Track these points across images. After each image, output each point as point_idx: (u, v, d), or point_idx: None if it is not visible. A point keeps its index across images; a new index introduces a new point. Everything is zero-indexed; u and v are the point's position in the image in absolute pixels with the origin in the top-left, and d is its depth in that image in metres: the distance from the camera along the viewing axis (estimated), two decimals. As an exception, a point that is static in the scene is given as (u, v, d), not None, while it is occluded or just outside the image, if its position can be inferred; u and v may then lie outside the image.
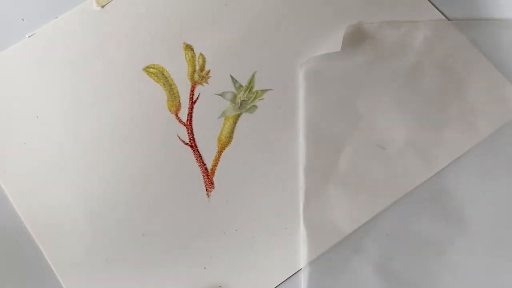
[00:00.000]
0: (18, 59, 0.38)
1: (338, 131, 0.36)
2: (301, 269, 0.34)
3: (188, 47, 0.39)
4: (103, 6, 0.40)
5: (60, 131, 0.37)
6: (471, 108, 0.37)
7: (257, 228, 0.35)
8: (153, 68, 0.38)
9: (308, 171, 0.35)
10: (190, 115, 0.37)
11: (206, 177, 0.36)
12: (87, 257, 0.34)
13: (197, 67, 0.38)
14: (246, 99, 0.38)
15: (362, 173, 0.35)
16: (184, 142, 0.37)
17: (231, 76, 0.38)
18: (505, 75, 0.38)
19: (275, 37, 0.39)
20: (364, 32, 0.39)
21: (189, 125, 0.37)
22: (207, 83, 0.38)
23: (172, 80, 0.38)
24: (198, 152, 0.37)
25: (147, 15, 0.40)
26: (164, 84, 0.38)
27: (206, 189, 0.36)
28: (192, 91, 0.38)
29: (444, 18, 0.39)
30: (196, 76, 0.38)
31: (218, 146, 0.37)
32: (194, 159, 0.36)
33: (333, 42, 0.38)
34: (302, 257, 0.34)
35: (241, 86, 0.38)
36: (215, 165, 0.36)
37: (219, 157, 0.37)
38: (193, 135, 0.37)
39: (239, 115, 0.37)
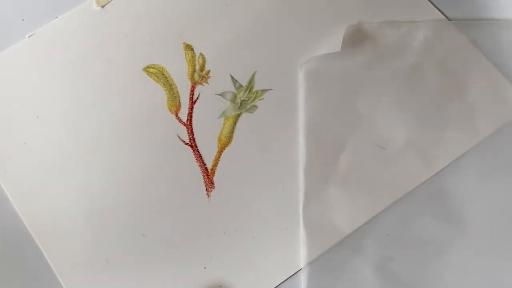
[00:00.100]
0: (18, 59, 0.38)
1: (338, 131, 0.36)
2: (301, 269, 0.34)
3: (188, 47, 0.39)
4: (103, 6, 0.40)
5: (60, 131, 0.37)
6: (471, 108, 0.37)
7: (257, 228, 0.35)
8: (153, 68, 0.38)
9: (307, 171, 0.35)
10: (190, 115, 0.37)
11: (206, 177, 0.36)
12: (87, 257, 0.34)
13: (197, 67, 0.38)
14: (246, 99, 0.38)
15: (362, 173, 0.35)
16: (184, 142, 0.37)
17: (231, 76, 0.38)
18: (505, 75, 0.38)
19: (275, 37, 0.39)
20: (364, 32, 0.39)
21: (189, 125, 0.37)
22: (207, 83, 0.38)
23: (172, 80, 0.38)
24: (198, 152, 0.37)
25: (147, 15, 0.40)
26: (164, 84, 0.38)
27: (206, 189, 0.36)
28: (192, 91, 0.38)
29: (444, 18, 0.39)
30: (196, 76, 0.38)
31: (218, 146, 0.37)
32: (194, 159, 0.36)
33: (333, 42, 0.38)
34: (302, 257, 0.34)
35: (241, 86, 0.38)
36: (215, 165, 0.36)
37: (219, 157, 0.37)
38: (193, 135, 0.37)
39: (239, 115, 0.37)
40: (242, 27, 0.39)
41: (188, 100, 0.38)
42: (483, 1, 0.40)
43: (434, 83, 0.38)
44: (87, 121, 0.37)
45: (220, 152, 0.37)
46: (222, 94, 0.38)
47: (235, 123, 0.37)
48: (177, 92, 0.38)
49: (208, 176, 0.36)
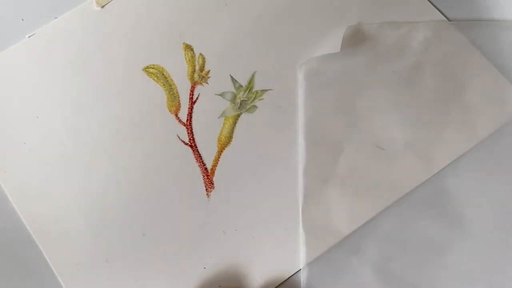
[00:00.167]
0: (18, 59, 0.39)
1: (338, 131, 0.36)
2: (300, 269, 0.34)
3: (188, 47, 0.39)
4: (103, 6, 0.40)
5: (60, 131, 0.37)
6: (471, 108, 0.37)
7: (257, 228, 0.35)
8: (152, 68, 0.38)
9: (307, 172, 0.35)
10: (190, 115, 0.37)
11: (206, 177, 0.36)
12: (87, 257, 0.34)
13: (197, 67, 0.38)
14: (246, 99, 0.38)
15: (361, 174, 0.35)
16: (184, 142, 0.37)
17: (231, 76, 0.38)
18: (505, 75, 0.38)
19: (275, 37, 0.39)
20: (364, 33, 0.39)
21: (189, 125, 0.37)
22: (207, 83, 0.38)
23: (172, 80, 0.38)
24: (198, 152, 0.37)
25: (147, 15, 0.40)
26: (164, 84, 0.38)
27: (206, 189, 0.36)
28: (192, 91, 0.38)
29: (444, 18, 0.39)
30: (196, 76, 0.38)
31: (218, 146, 0.37)
32: (194, 159, 0.36)
33: (333, 42, 0.38)
34: (301, 257, 0.34)
35: (241, 86, 0.38)
36: (215, 165, 0.36)
37: (219, 157, 0.37)
38: (193, 135, 0.37)
39: (239, 115, 0.37)
40: (242, 27, 0.39)
41: (188, 100, 0.38)
42: (483, 1, 0.40)
43: (434, 84, 0.38)
44: (87, 121, 0.37)
45: (219, 152, 0.37)
46: (222, 94, 0.38)
47: (234, 123, 0.37)
48: (177, 92, 0.38)
49: (208, 176, 0.36)
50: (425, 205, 0.35)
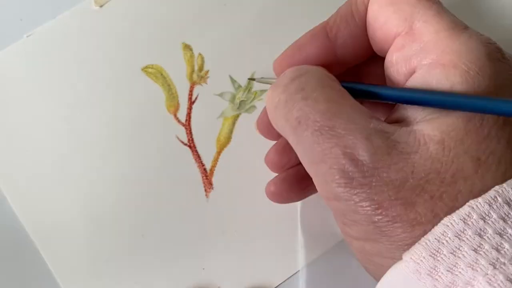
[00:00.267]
0: (16, 59, 0.38)
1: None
2: (299, 270, 0.34)
3: (187, 47, 0.39)
4: (101, 6, 0.40)
5: (58, 131, 0.37)
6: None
7: (256, 229, 0.35)
8: (151, 68, 0.38)
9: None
10: (189, 115, 0.37)
11: (205, 177, 0.36)
12: (85, 258, 0.34)
13: (196, 67, 0.38)
14: (245, 99, 0.38)
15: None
16: (182, 142, 0.37)
17: (230, 77, 0.38)
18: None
19: (274, 37, 0.39)
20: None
21: (187, 125, 0.37)
22: (206, 83, 0.38)
23: (170, 80, 0.38)
24: (197, 152, 0.36)
25: (146, 14, 0.40)
26: (162, 84, 0.38)
27: (205, 189, 0.36)
28: (191, 91, 0.38)
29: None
30: (194, 76, 0.38)
31: (217, 147, 0.37)
32: (193, 160, 0.36)
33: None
34: (300, 258, 0.34)
35: (240, 86, 0.38)
36: (214, 165, 0.36)
37: (218, 158, 0.36)
38: (191, 135, 0.37)
39: (238, 116, 0.37)
40: (241, 27, 0.39)
41: (187, 100, 0.38)
42: (487, 6, 0.40)
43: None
44: (85, 121, 0.37)
45: (219, 153, 0.37)
46: (221, 95, 0.38)
47: (234, 123, 0.37)
48: (176, 92, 0.38)
49: (207, 176, 0.36)
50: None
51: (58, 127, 0.37)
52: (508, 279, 0.20)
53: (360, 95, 0.27)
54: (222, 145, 0.37)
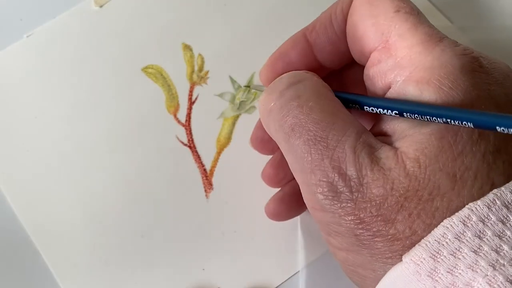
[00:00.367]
0: (16, 59, 0.38)
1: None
2: (299, 271, 0.34)
3: (187, 47, 0.39)
4: (101, 6, 0.40)
5: (58, 131, 0.37)
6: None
7: (256, 229, 0.35)
8: (151, 68, 0.38)
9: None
10: (188, 115, 0.37)
11: (204, 178, 0.36)
12: (85, 258, 0.34)
13: (196, 68, 0.38)
14: (245, 100, 0.38)
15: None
16: (182, 143, 0.37)
17: (230, 77, 0.38)
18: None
19: (274, 37, 0.38)
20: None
21: (187, 125, 0.37)
22: (206, 83, 0.38)
23: (170, 81, 0.38)
24: (197, 153, 0.36)
25: (146, 15, 0.40)
26: (162, 85, 0.38)
27: (205, 190, 0.36)
28: (191, 91, 0.38)
29: (448, 21, 0.39)
30: (194, 76, 0.38)
31: (217, 147, 0.37)
32: (193, 160, 0.36)
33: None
34: (300, 259, 0.34)
35: (240, 86, 0.38)
36: (214, 166, 0.36)
37: (217, 158, 0.36)
38: (191, 136, 0.37)
39: (238, 116, 0.37)
40: (241, 27, 0.39)
41: (187, 100, 0.38)
42: (488, 5, 0.40)
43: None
44: (86, 121, 0.37)
45: (218, 153, 0.37)
46: (221, 95, 0.38)
47: (234, 124, 0.37)
48: (176, 93, 0.38)
49: (207, 177, 0.36)
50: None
51: (58, 127, 0.37)
52: (508, 280, 0.20)
53: (348, 104, 0.27)
54: (222, 145, 0.37)
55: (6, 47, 0.39)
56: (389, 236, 0.23)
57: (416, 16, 0.26)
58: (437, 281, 0.21)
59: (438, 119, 0.23)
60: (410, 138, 0.24)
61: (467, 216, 0.22)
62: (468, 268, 0.21)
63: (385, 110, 0.25)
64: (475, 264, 0.21)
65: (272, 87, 0.28)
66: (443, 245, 0.22)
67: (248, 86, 0.37)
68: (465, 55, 0.24)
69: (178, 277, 0.34)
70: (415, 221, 0.23)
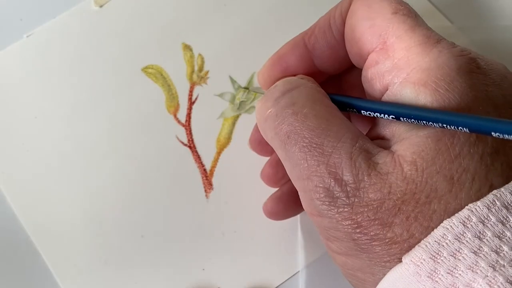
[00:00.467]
0: (16, 59, 0.38)
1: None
2: (299, 271, 0.34)
3: (187, 47, 0.39)
4: (101, 6, 0.40)
5: (58, 131, 0.37)
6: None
7: (256, 229, 0.35)
8: (151, 68, 0.38)
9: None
10: (188, 115, 0.37)
11: (205, 178, 0.36)
12: (85, 258, 0.34)
13: (196, 68, 0.38)
14: (245, 100, 0.38)
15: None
16: (182, 143, 0.37)
17: (230, 77, 0.38)
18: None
19: (274, 37, 0.38)
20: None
21: (187, 126, 0.37)
22: (206, 83, 0.38)
23: (170, 81, 0.38)
24: (197, 153, 0.36)
25: (146, 15, 0.40)
26: (162, 85, 0.38)
27: (205, 190, 0.36)
28: (191, 91, 0.38)
29: (447, 21, 0.39)
30: (194, 76, 0.38)
31: (217, 147, 0.37)
32: (193, 160, 0.36)
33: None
34: (300, 259, 0.34)
35: (240, 86, 0.38)
36: (214, 166, 0.36)
37: (217, 158, 0.36)
38: (191, 136, 0.37)
39: (238, 116, 0.37)
40: (241, 27, 0.39)
41: (187, 100, 0.38)
42: (488, 5, 0.40)
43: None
44: (85, 121, 0.37)
45: (218, 153, 0.37)
46: (221, 95, 0.38)
47: (234, 124, 0.37)
48: (176, 93, 0.38)
49: (207, 177, 0.36)
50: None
51: (58, 127, 0.37)
52: (508, 281, 0.20)
53: (345, 108, 0.27)
54: (222, 145, 0.37)
55: (6, 47, 0.39)
56: (387, 240, 0.23)
57: (414, 18, 0.26)
58: (437, 282, 0.21)
59: (434, 123, 0.23)
60: (407, 141, 0.24)
61: (466, 217, 0.22)
62: (468, 269, 0.21)
63: (382, 114, 0.25)
64: (475, 265, 0.21)
65: (267, 94, 0.28)
66: (443, 246, 0.22)
67: (247, 88, 0.37)
68: (462, 56, 0.24)
69: (178, 277, 0.34)
70: (413, 224, 0.23)
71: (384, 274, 0.23)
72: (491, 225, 0.22)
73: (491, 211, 0.22)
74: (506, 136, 0.21)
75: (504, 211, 0.22)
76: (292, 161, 0.26)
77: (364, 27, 0.26)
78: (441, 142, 0.23)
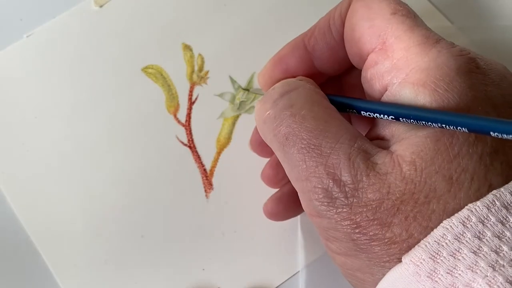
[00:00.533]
0: (16, 59, 0.38)
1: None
2: (299, 271, 0.34)
3: (187, 47, 0.39)
4: (101, 6, 0.40)
5: (58, 131, 0.37)
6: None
7: (256, 229, 0.35)
8: (151, 68, 0.38)
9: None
10: (188, 115, 0.37)
11: (205, 178, 0.36)
12: (85, 258, 0.34)
13: (196, 68, 0.38)
14: (245, 100, 0.38)
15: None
16: (182, 143, 0.37)
17: (230, 77, 0.38)
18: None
19: (274, 37, 0.39)
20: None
21: (187, 126, 0.37)
22: (206, 83, 0.38)
23: (170, 81, 0.38)
24: (197, 153, 0.36)
25: (146, 15, 0.40)
26: (162, 85, 0.38)
27: (205, 190, 0.36)
28: (191, 91, 0.38)
29: (447, 21, 0.39)
30: (194, 76, 0.38)
31: (217, 147, 0.37)
32: (193, 160, 0.36)
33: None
34: (300, 259, 0.34)
35: (240, 86, 0.38)
36: (214, 166, 0.36)
37: (217, 158, 0.36)
38: (191, 136, 0.37)
39: (238, 116, 0.37)
40: (241, 27, 0.39)
41: (187, 100, 0.38)
42: (488, 5, 0.40)
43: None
44: (85, 121, 0.37)
45: (218, 153, 0.37)
46: (221, 95, 0.38)
47: (234, 124, 0.37)
48: (176, 93, 0.38)
49: (207, 177, 0.36)
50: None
51: (58, 127, 0.37)
52: (508, 280, 0.20)
53: (345, 109, 0.27)
54: (222, 145, 0.37)
55: (6, 47, 0.39)
56: (386, 240, 0.23)
57: (413, 18, 0.26)
58: (436, 282, 0.21)
59: (433, 124, 0.23)
60: (406, 141, 0.24)
61: (466, 217, 0.22)
62: (468, 269, 0.21)
63: (381, 115, 0.25)
64: (475, 265, 0.21)
65: (266, 96, 0.28)
66: (443, 246, 0.22)
67: (247, 89, 0.37)
68: (461, 56, 0.24)
69: (178, 277, 0.34)
70: (412, 224, 0.23)
71: (384, 274, 0.23)
72: (490, 225, 0.22)
73: (491, 211, 0.22)
74: (505, 136, 0.21)
75: (504, 211, 0.22)
76: (290, 162, 0.26)
77: (364, 27, 0.26)
78: (440, 142, 0.23)
